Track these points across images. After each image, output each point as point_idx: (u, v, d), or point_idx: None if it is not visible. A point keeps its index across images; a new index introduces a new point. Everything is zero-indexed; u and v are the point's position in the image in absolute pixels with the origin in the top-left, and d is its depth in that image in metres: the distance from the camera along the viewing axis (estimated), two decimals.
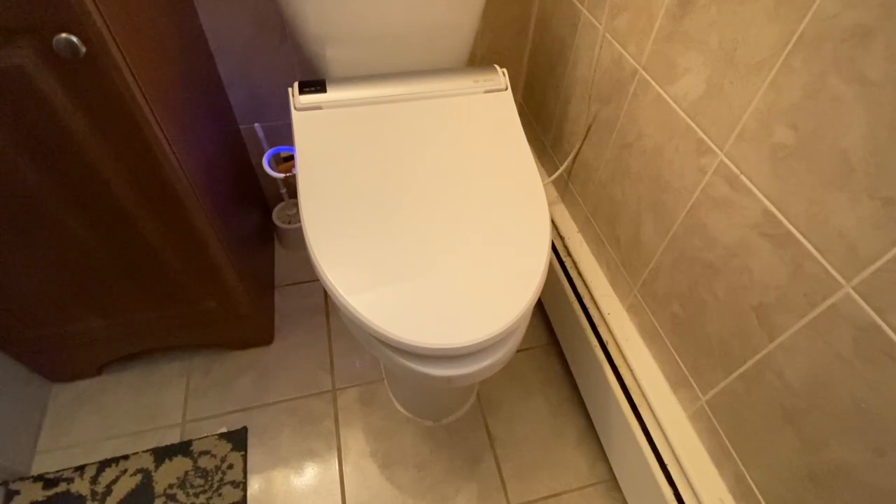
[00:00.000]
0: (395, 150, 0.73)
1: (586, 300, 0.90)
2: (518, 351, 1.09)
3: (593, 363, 0.86)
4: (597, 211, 0.90)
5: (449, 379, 0.58)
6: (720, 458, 0.67)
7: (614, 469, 0.87)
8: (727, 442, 0.65)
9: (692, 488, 0.68)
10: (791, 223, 0.50)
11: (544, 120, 1.08)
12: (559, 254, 0.98)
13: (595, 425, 0.92)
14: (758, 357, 0.57)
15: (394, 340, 0.55)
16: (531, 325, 1.13)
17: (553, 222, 1.02)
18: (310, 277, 1.19)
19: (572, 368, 0.98)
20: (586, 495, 0.90)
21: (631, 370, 0.79)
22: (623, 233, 0.82)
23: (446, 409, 0.96)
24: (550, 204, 1.05)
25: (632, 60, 0.72)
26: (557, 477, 0.92)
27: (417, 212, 0.66)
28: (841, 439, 0.48)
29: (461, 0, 0.79)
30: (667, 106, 0.66)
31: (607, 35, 0.77)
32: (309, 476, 0.90)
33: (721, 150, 0.58)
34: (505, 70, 0.84)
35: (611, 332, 0.84)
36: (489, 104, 0.80)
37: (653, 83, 0.68)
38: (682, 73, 0.62)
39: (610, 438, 0.86)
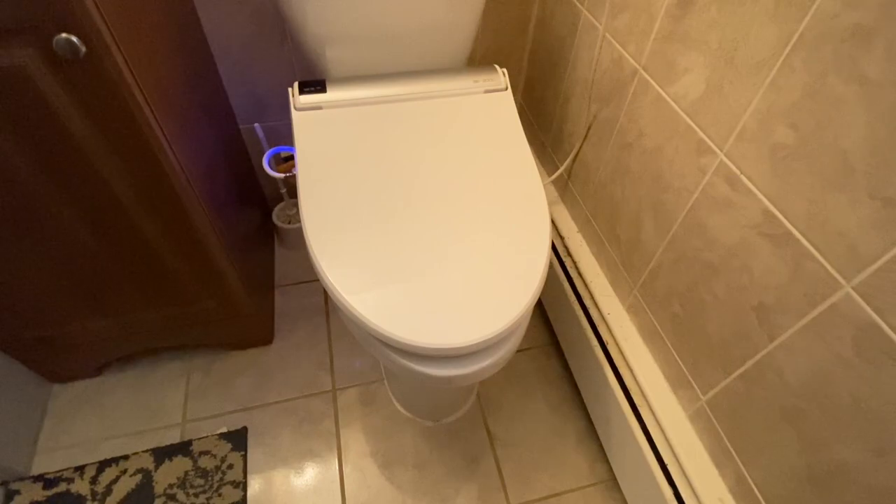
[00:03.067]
0: (395, 150, 0.73)
1: (586, 300, 0.90)
2: (518, 351, 1.09)
3: (593, 363, 0.86)
4: (597, 211, 0.90)
5: (449, 379, 0.58)
6: (720, 458, 0.67)
7: (614, 469, 0.87)
8: (727, 442, 0.65)
9: (692, 488, 0.68)
10: (791, 223, 0.50)
11: (544, 120, 1.08)
12: (559, 254, 0.98)
13: (595, 425, 0.92)
14: (758, 357, 0.57)
15: (394, 340, 0.55)
16: (531, 325, 1.13)
17: (553, 222, 1.02)
18: (310, 277, 1.19)
19: (572, 368, 0.98)
20: (586, 495, 0.90)
21: (631, 370, 0.79)
22: (623, 233, 0.82)
23: (446, 409, 0.96)
24: (550, 204, 1.05)
25: (632, 60, 0.72)
26: (557, 477, 0.92)
27: (417, 211, 0.66)
28: (840, 439, 0.48)
29: (461, 0, 0.79)
30: (667, 106, 0.66)
31: (607, 35, 0.77)
32: (309, 476, 0.90)
33: (721, 150, 0.58)
34: (505, 70, 0.84)
35: (611, 332, 0.84)
36: (489, 104, 0.80)
37: (653, 83, 0.68)
38: (682, 74, 0.62)
39: (610, 438, 0.86)
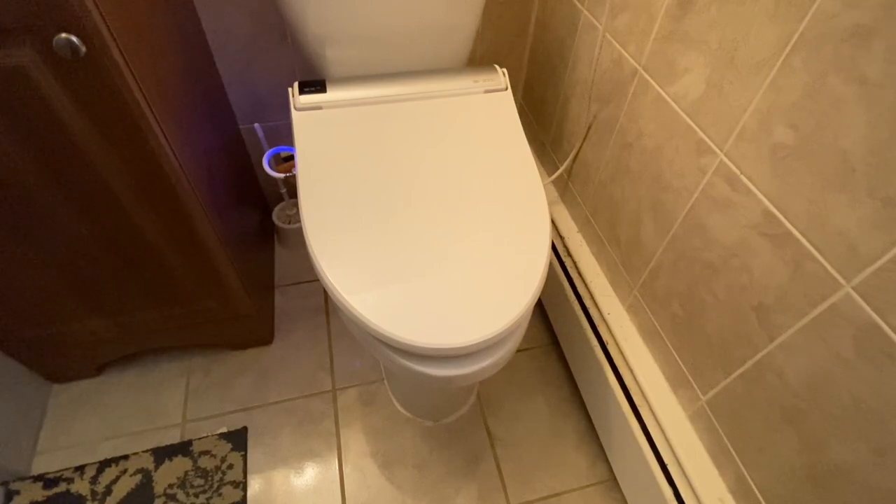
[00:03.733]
0: (396, 150, 0.73)
1: (586, 300, 0.90)
2: (518, 351, 1.09)
3: (593, 363, 0.86)
4: (597, 211, 0.90)
5: (449, 379, 0.58)
6: (720, 458, 0.67)
7: (614, 469, 0.87)
8: (727, 442, 0.65)
9: (692, 488, 0.68)
10: (791, 223, 0.50)
11: (544, 120, 1.08)
12: (559, 254, 0.98)
13: (595, 425, 0.92)
14: (758, 357, 0.57)
15: (394, 340, 0.55)
16: (531, 325, 1.13)
17: (553, 222, 1.02)
18: (310, 277, 1.19)
19: (572, 368, 0.98)
20: (586, 495, 0.90)
21: (631, 370, 0.79)
22: (623, 233, 0.82)
23: (446, 409, 0.96)
24: (550, 204, 1.05)
25: (632, 60, 0.72)
26: (557, 477, 0.92)
27: (417, 212, 0.66)
28: (840, 439, 0.48)
29: (461, 0, 0.79)
30: (667, 106, 0.66)
31: (607, 35, 0.77)
32: (309, 476, 0.90)
33: (721, 150, 0.58)
34: (505, 70, 0.84)
35: (611, 332, 0.84)
36: (489, 104, 0.80)
37: (653, 83, 0.68)
38: (682, 74, 0.62)
39: (610, 438, 0.86)
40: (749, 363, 0.59)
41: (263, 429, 0.95)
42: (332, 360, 1.05)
